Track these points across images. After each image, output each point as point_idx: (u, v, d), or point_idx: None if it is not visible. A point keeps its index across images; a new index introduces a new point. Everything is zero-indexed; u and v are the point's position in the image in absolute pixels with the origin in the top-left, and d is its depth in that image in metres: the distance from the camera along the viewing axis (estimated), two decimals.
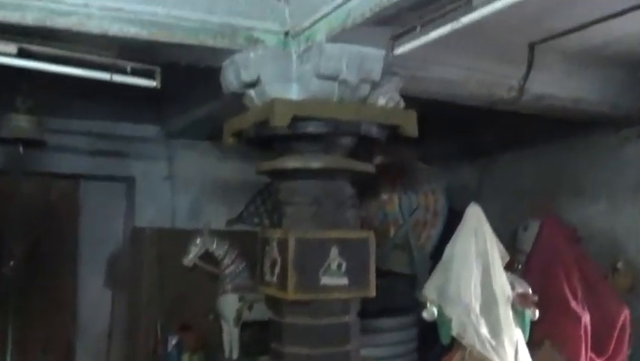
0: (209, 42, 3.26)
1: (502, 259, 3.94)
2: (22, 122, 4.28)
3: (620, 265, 4.82)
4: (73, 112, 5.69)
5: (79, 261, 6.64)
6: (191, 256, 5.22)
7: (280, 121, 3.20)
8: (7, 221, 5.69)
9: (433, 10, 2.73)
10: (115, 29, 3.03)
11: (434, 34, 2.77)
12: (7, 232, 5.73)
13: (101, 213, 6.60)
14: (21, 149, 4.50)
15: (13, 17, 2.86)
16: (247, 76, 3.36)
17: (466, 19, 2.57)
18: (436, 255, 4.61)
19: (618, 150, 5.18)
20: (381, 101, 3.48)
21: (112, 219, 6.65)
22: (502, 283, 3.88)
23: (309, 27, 3.26)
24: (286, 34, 3.42)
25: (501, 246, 3.95)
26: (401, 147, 4.25)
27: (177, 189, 6.43)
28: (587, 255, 4.78)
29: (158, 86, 3.48)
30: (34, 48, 3.11)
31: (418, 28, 2.84)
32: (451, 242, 3.99)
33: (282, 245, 3.37)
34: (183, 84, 4.91)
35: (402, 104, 3.54)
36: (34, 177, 6.08)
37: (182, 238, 5.38)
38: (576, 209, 5.40)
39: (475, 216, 3.92)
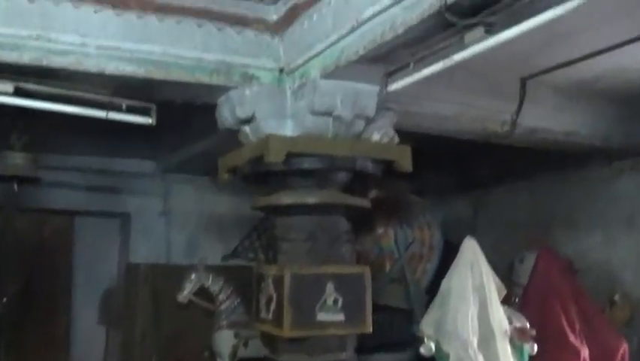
0: (205, 80, 3.29)
1: (499, 292, 3.93)
2: (17, 160, 4.28)
3: (617, 297, 4.80)
4: (68, 148, 5.71)
5: (73, 297, 6.60)
6: (186, 292, 5.18)
7: (275, 157, 3.21)
8: (0, 257, 5.65)
9: (425, 48, 2.76)
10: (111, 68, 3.07)
11: (427, 71, 2.80)
12: (1, 268, 5.68)
13: (96, 249, 6.57)
14: (16, 186, 4.49)
15: (10, 57, 2.89)
16: (242, 112, 3.38)
17: (458, 57, 2.60)
18: (432, 289, 4.59)
19: (612, 182, 5.21)
20: (376, 137, 3.50)
21: (106, 255, 6.62)
22: (500, 318, 3.85)
23: (304, 64, 3.30)
24: (281, 71, 3.46)
25: (497, 279, 3.94)
26: (395, 180, 4.26)
27: (172, 225, 6.42)
28: (583, 288, 4.77)
29: (154, 124, 3.50)
30: (31, 87, 3.12)
31: (411, 65, 2.87)
32: (447, 276, 3.98)
33: (278, 281, 3.35)
34: (179, 120, 4.93)
35: (396, 139, 3.57)
36: (29, 213, 6.06)
37: (176, 274, 5.35)
38: (571, 241, 5.41)
39: (471, 250, 3.92)
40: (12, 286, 5.84)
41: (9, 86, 3.02)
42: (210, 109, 3.66)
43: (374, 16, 2.74)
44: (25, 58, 2.91)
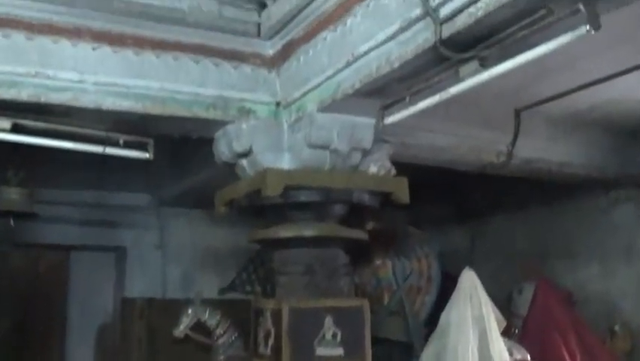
0: (202, 114, 3.32)
1: (499, 324, 3.89)
2: (13, 195, 4.28)
3: (617, 328, 4.77)
4: (63, 182, 5.69)
5: (68, 332, 6.51)
6: (182, 326, 5.11)
7: (272, 191, 3.22)
8: None
9: (420, 82, 2.79)
10: (109, 104, 3.09)
11: (423, 104, 2.83)
12: None
13: (91, 283, 6.51)
14: (12, 222, 4.47)
15: (8, 94, 2.91)
16: (239, 146, 3.40)
17: (454, 90, 2.63)
18: (431, 322, 4.55)
19: (608, 212, 5.21)
20: (373, 169, 3.51)
21: (102, 290, 6.56)
22: (500, 350, 3.81)
23: (300, 98, 3.33)
24: (277, 104, 3.49)
25: (497, 311, 3.91)
26: (392, 211, 4.27)
27: (168, 259, 6.38)
28: (582, 319, 4.74)
29: (152, 158, 3.50)
30: (28, 123, 3.13)
31: (407, 99, 2.90)
32: (446, 309, 3.95)
33: (276, 315, 3.32)
34: (175, 153, 4.96)
35: (393, 171, 3.58)
36: (23, 248, 6.02)
37: (173, 309, 5.29)
38: (569, 272, 5.39)
39: (469, 282, 3.90)
40: (6, 322, 5.76)
41: (7, 123, 3.03)
42: (205, 142, 3.68)
43: (369, 50, 2.78)
44: (24, 95, 2.92)
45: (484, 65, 2.43)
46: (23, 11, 2.98)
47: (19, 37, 2.96)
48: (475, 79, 2.49)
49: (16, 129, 3.12)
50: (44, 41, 3.00)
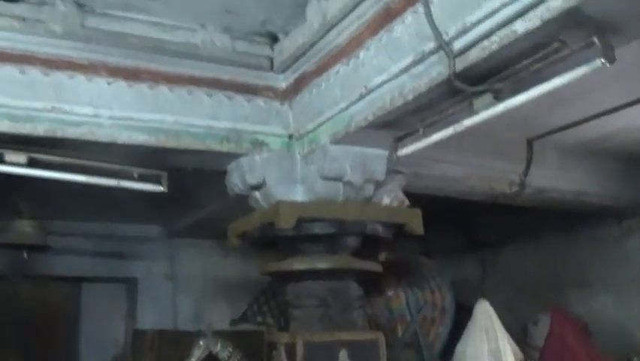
0: (216, 147, 3.33)
1: (516, 356, 3.86)
2: (26, 228, 4.30)
3: (635, 358, 4.69)
4: (73, 214, 5.71)
5: None
6: (193, 359, 5.03)
7: (286, 223, 3.21)
8: (6, 325, 5.58)
9: (434, 114, 2.80)
10: (124, 138, 3.10)
11: (437, 136, 2.82)
12: (7, 336, 5.60)
13: (102, 315, 6.49)
14: (25, 254, 4.48)
15: (24, 129, 2.93)
16: (252, 179, 3.40)
17: (468, 122, 2.63)
18: (446, 353, 4.50)
19: (622, 241, 5.17)
20: (386, 200, 3.50)
21: (113, 322, 6.53)
22: None
23: (313, 130, 3.34)
24: (290, 137, 3.50)
25: (513, 343, 3.87)
26: (402, 241, 4.26)
27: (179, 290, 6.36)
28: (599, 349, 4.67)
29: (166, 191, 3.51)
30: (43, 157, 3.15)
31: (421, 131, 2.90)
32: (462, 341, 3.91)
33: (290, 349, 3.28)
34: (186, 185, 4.96)
35: (406, 202, 3.57)
36: (34, 280, 6.02)
37: (184, 340, 5.24)
38: (584, 302, 5.33)
39: (485, 314, 3.87)
40: (17, 353, 5.73)
41: (23, 158, 3.05)
42: (217, 174, 3.68)
43: (383, 83, 2.79)
44: (40, 130, 2.95)
45: (498, 97, 2.44)
46: (40, 47, 3.02)
47: (35, 73, 2.99)
48: (489, 111, 2.49)
49: (31, 163, 3.14)
50: (60, 77, 3.03)
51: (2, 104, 2.89)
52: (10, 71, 2.94)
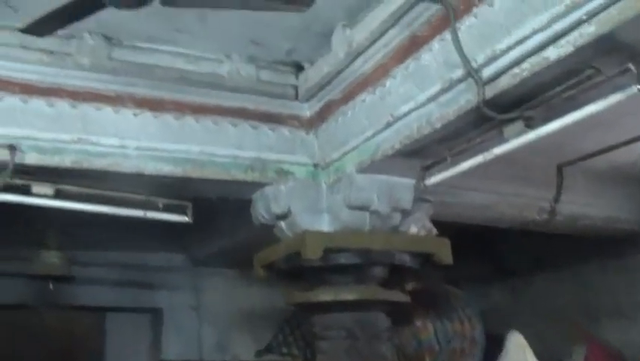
0: (241, 176, 3.31)
1: None
2: (52, 259, 4.32)
3: None
4: (98, 244, 5.70)
5: None
6: None
7: (312, 253, 3.16)
8: (31, 355, 5.58)
9: (462, 142, 2.75)
10: (150, 168, 3.10)
11: (465, 164, 2.78)
12: None
13: (127, 345, 6.45)
14: (51, 285, 4.49)
15: (52, 161, 2.94)
16: (278, 208, 3.37)
17: (498, 150, 2.58)
18: None
19: None
20: (413, 229, 3.45)
21: (138, 352, 6.48)
22: None
23: (339, 159, 3.31)
24: (315, 166, 3.48)
25: None
26: (428, 269, 4.18)
27: (204, 320, 6.30)
28: None
29: (191, 221, 3.49)
30: (70, 189, 3.16)
31: (449, 159, 2.85)
32: None
33: None
34: (211, 214, 4.95)
35: (434, 231, 3.51)
36: (59, 310, 6.01)
37: None
38: (618, 331, 5.16)
39: (518, 346, 3.77)
40: None
41: (50, 189, 3.06)
42: (243, 203, 3.66)
43: (410, 112, 2.77)
44: (67, 161, 2.96)
45: (530, 125, 2.39)
46: (67, 80, 3.05)
47: (63, 105, 3.01)
48: (520, 139, 2.45)
49: (57, 195, 3.15)
50: (87, 109, 3.05)
51: (30, 136, 2.92)
52: (38, 104, 2.97)
